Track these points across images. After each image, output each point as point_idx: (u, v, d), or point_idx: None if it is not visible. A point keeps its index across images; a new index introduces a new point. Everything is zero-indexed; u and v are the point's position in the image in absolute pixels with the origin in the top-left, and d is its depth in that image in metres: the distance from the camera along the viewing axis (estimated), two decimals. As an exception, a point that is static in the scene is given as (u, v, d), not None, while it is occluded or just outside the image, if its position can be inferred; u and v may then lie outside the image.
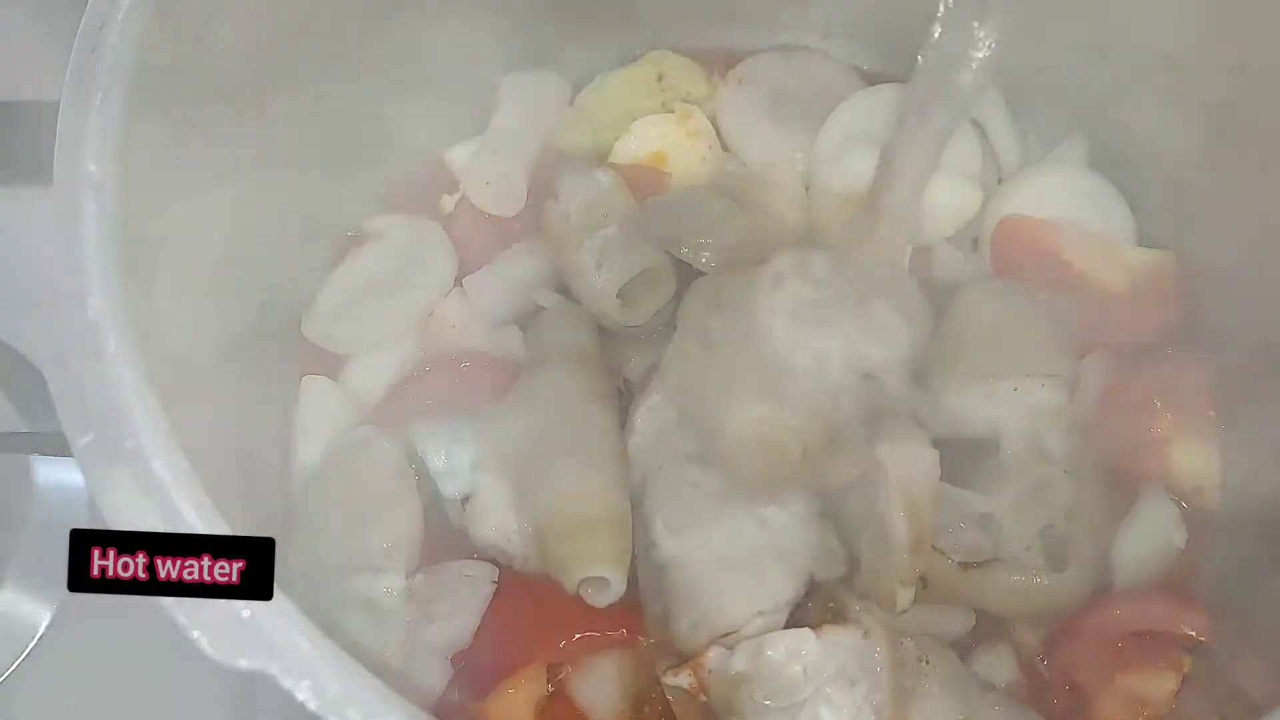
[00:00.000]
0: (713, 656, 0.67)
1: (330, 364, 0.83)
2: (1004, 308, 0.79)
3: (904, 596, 0.69)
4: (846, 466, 0.72)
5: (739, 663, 0.66)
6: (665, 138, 0.90)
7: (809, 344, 0.68)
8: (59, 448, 0.82)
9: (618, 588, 0.71)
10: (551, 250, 0.83)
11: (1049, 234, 0.83)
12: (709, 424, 0.72)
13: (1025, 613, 0.74)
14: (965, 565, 0.73)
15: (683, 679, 0.68)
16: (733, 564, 0.70)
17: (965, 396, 0.76)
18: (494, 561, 0.74)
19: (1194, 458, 0.78)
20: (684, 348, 0.75)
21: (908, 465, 0.70)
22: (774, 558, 0.70)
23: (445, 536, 0.75)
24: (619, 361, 0.82)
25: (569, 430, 0.75)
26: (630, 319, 0.81)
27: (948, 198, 0.84)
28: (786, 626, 0.70)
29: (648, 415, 0.76)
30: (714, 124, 0.92)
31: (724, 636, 0.69)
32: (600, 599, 0.71)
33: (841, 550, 0.73)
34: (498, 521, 0.73)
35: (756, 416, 0.69)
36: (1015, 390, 0.76)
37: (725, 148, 0.91)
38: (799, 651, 0.66)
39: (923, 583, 0.71)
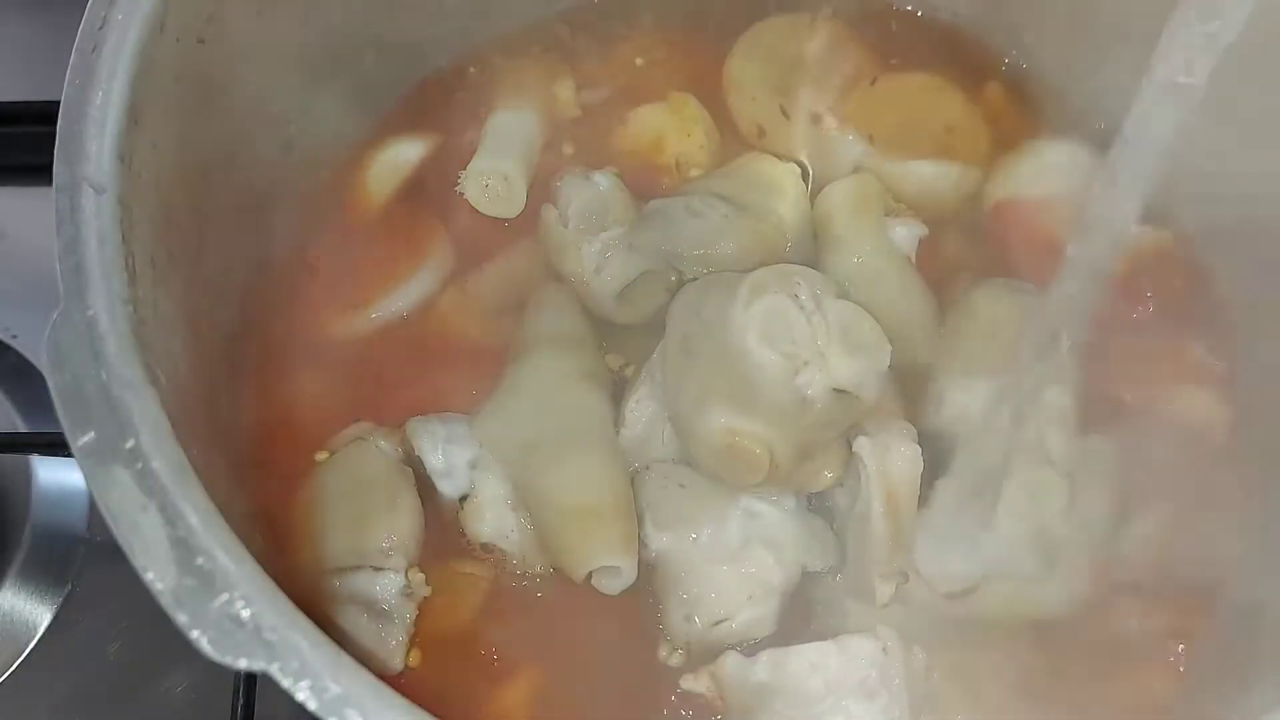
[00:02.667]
0: (730, 662, 0.68)
1: (327, 360, 0.83)
2: (1013, 306, 0.79)
3: (884, 591, 0.70)
4: (818, 474, 0.72)
5: (760, 673, 0.67)
6: (661, 127, 0.89)
7: (779, 357, 0.69)
8: (59, 448, 0.83)
9: (629, 575, 0.71)
10: (550, 252, 0.83)
11: (1045, 217, 0.83)
12: (682, 428, 0.73)
13: (1019, 619, 0.74)
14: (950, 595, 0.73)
15: (700, 684, 0.68)
16: (721, 555, 0.71)
17: (969, 392, 0.76)
18: (492, 560, 0.74)
19: (1200, 400, 0.80)
20: (668, 350, 0.76)
21: (887, 459, 0.70)
22: (762, 547, 0.71)
23: (443, 535, 0.75)
24: (612, 344, 0.82)
25: (563, 415, 0.75)
26: (629, 318, 0.81)
27: (944, 179, 0.84)
28: (781, 618, 0.71)
29: (637, 409, 0.76)
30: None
31: (716, 625, 0.70)
32: (611, 587, 0.71)
33: (834, 541, 0.74)
34: (496, 520, 0.73)
35: (724, 425, 0.70)
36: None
37: (730, 118, 0.91)
38: (821, 665, 0.67)
39: (904, 577, 0.71)
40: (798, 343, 0.69)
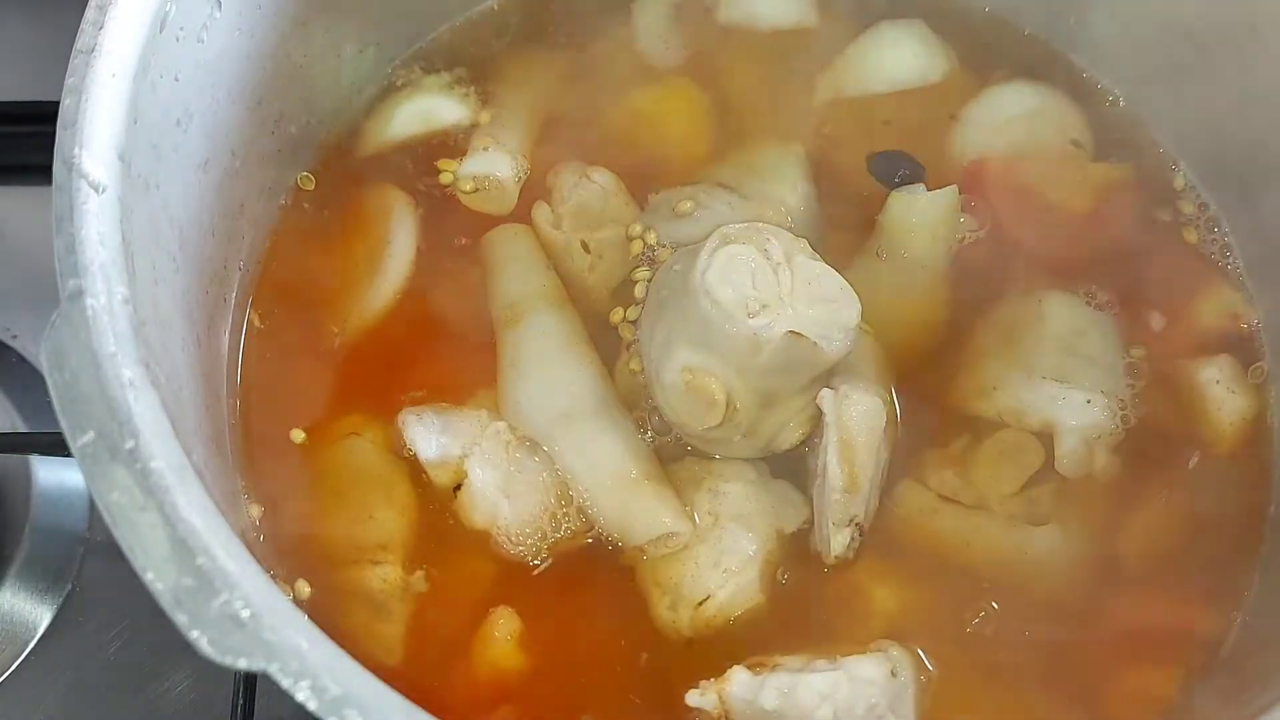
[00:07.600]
0: (738, 681, 0.68)
1: (324, 356, 0.83)
2: (1085, 321, 0.81)
3: (838, 540, 0.72)
4: (785, 428, 0.74)
5: (769, 700, 0.67)
6: (662, 112, 0.89)
7: (735, 294, 0.70)
8: (59, 448, 0.83)
9: (687, 535, 0.73)
10: (544, 247, 0.83)
11: (1014, 170, 0.85)
12: (652, 376, 0.75)
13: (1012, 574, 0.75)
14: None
15: (707, 700, 0.69)
16: (693, 539, 0.73)
17: (1036, 393, 0.78)
18: (488, 548, 0.74)
19: (1222, 306, 0.83)
20: (645, 308, 0.78)
21: (845, 407, 0.72)
22: (730, 521, 0.73)
23: (439, 526, 0.75)
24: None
25: (582, 384, 0.77)
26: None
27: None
28: (768, 587, 0.73)
29: (625, 378, 0.78)
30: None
31: (700, 605, 0.71)
32: (663, 551, 0.73)
33: (803, 500, 0.75)
34: (489, 507, 0.74)
35: (683, 363, 0.71)
36: (1089, 403, 0.77)
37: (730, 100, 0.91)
38: (830, 695, 0.67)
39: (859, 530, 0.73)
40: (759, 288, 0.70)
